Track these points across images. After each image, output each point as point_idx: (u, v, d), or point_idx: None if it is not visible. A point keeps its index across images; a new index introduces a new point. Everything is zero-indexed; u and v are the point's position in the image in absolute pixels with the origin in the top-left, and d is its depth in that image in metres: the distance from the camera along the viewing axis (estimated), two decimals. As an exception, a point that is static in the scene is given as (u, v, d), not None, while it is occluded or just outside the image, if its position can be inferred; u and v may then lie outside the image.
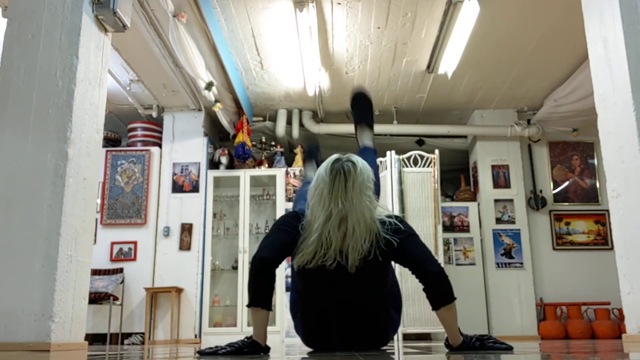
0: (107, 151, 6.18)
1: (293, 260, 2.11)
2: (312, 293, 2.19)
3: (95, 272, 5.71)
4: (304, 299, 2.23)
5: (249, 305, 1.98)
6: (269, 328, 2.02)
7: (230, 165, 6.57)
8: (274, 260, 1.99)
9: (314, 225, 2.07)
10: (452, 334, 2.04)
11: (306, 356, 2.00)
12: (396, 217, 2.16)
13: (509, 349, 2.02)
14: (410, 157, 5.76)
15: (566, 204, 6.64)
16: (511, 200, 6.52)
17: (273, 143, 6.79)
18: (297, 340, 2.60)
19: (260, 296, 1.96)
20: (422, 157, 5.78)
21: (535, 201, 6.55)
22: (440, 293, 2.02)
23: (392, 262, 2.21)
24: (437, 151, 5.83)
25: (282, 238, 2.09)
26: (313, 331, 2.25)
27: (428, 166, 5.72)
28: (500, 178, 6.60)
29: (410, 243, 2.09)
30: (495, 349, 2.02)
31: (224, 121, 6.05)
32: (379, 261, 2.08)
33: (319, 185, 2.12)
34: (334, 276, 2.08)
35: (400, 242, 2.07)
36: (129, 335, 5.86)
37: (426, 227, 5.49)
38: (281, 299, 5.97)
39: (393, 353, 2.15)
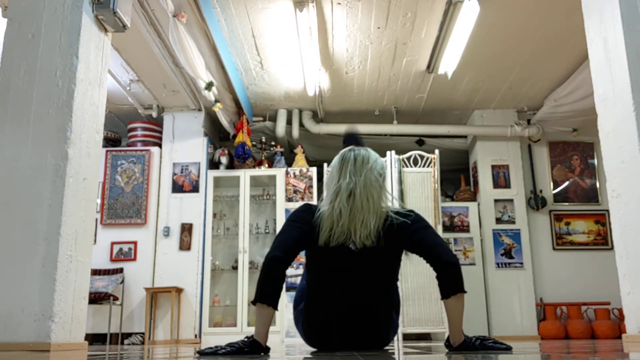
0: (107, 151, 6.18)
1: (317, 240, 2.12)
2: (322, 280, 2.19)
3: (95, 272, 5.71)
4: (313, 288, 2.22)
5: (254, 302, 1.97)
6: (270, 328, 2.01)
7: (230, 165, 6.57)
8: (283, 260, 2.00)
9: (325, 202, 2.16)
10: (455, 330, 2.05)
11: (306, 356, 2.00)
12: (411, 211, 2.20)
13: (508, 349, 2.03)
14: (410, 157, 5.76)
15: (566, 204, 6.64)
16: (511, 200, 6.52)
17: (273, 143, 6.80)
18: (297, 340, 2.61)
19: (268, 294, 1.96)
20: (422, 157, 5.78)
21: (535, 201, 6.55)
22: (452, 281, 2.05)
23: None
24: (437, 151, 5.84)
25: (292, 235, 2.09)
26: (314, 323, 2.22)
27: (428, 166, 5.72)
28: (500, 178, 6.60)
29: (426, 233, 2.12)
30: (495, 349, 2.02)
31: (224, 121, 6.05)
32: (392, 249, 2.12)
33: (330, 170, 2.24)
34: (346, 262, 2.12)
35: (415, 229, 2.10)
36: (129, 335, 5.86)
37: (426, 227, 5.48)
38: (282, 298, 5.97)
39: (393, 353, 2.15)
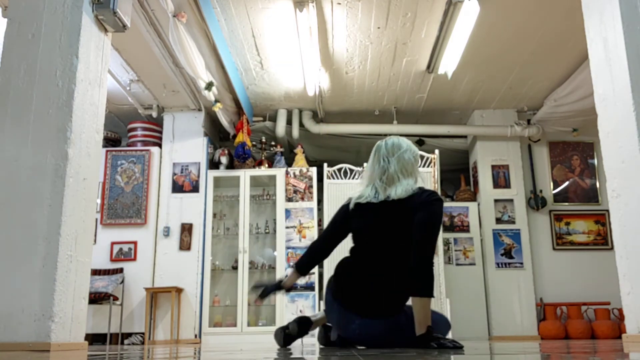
0: (107, 151, 6.18)
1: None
2: (355, 245, 2.59)
3: (95, 272, 5.71)
4: (350, 254, 2.60)
5: (293, 266, 2.71)
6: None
7: (230, 165, 6.57)
8: (318, 242, 2.78)
9: (361, 187, 2.60)
10: (416, 322, 2.28)
11: (307, 356, 2.00)
12: (437, 200, 2.40)
13: (458, 347, 2.18)
14: (410, 157, 5.75)
15: (566, 204, 6.64)
16: (511, 200, 6.52)
17: (273, 143, 6.80)
18: (297, 340, 2.67)
19: (301, 264, 2.69)
20: (422, 157, 5.78)
21: (535, 201, 6.55)
22: (413, 284, 2.30)
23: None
24: (437, 151, 5.83)
25: (328, 229, 2.72)
26: (339, 277, 2.56)
27: (428, 166, 5.72)
28: (500, 178, 6.60)
29: (421, 227, 2.33)
30: (446, 347, 2.18)
31: (224, 121, 6.05)
32: (407, 215, 2.39)
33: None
34: (369, 216, 2.50)
35: (419, 218, 2.35)
36: (129, 335, 5.86)
37: (426, 227, 5.47)
38: (281, 299, 5.97)
39: (391, 353, 2.15)
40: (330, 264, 5.66)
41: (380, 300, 2.41)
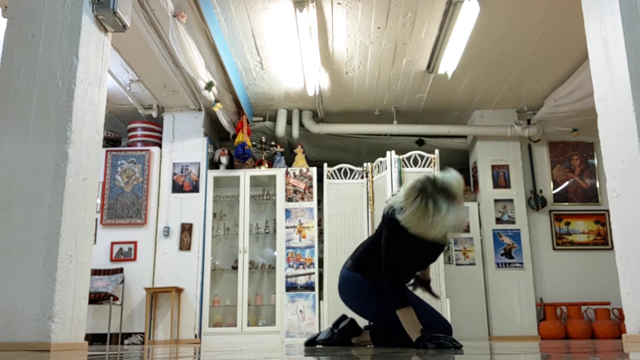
0: (107, 151, 6.18)
1: None
2: None
3: (95, 272, 5.71)
4: None
5: None
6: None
7: (230, 165, 6.57)
8: None
9: None
10: (407, 332, 2.47)
11: (307, 356, 2.00)
12: (388, 216, 2.72)
13: (457, 347, 2.24)
14: (410, 157, 5.76)
15: (566, 204, 6.64)
16: (511, 200, 6.52)
17: (273, 143, 6.79)
18: (297, 340, 2.72)
19: None
20: (422, 157, 5.78)
21: (535, 201, 6.55)
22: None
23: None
24: (437, 151, 5.84)
25: None
26: None
27: (428, 166, 5.72)
28: (500, 178, 6.60)
29: (383, 247, 2.71)
30: (446, 346, 2.27)
31: (224, 121, 6.05)
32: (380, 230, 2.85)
33: None
34: None
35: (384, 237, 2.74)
36: (129, 335, 5.86)
37: (426, 227, 5.47)
38: (281, 299, 5.97)
39: (391, 352, 2.15)
40: (330, 264, 5.67)
41: (357, 262, 2.94)
